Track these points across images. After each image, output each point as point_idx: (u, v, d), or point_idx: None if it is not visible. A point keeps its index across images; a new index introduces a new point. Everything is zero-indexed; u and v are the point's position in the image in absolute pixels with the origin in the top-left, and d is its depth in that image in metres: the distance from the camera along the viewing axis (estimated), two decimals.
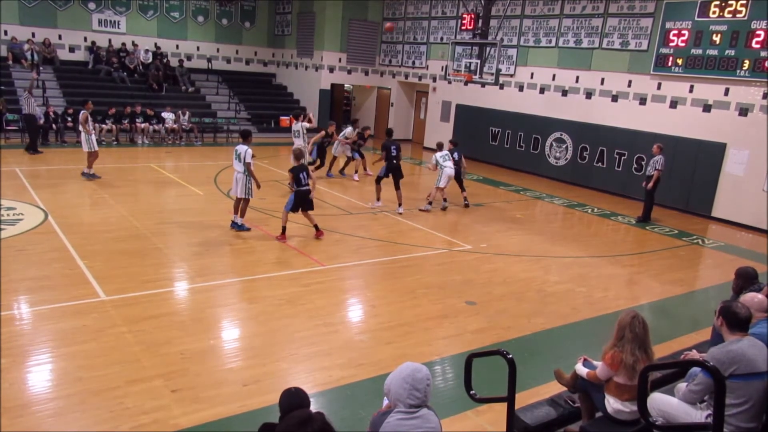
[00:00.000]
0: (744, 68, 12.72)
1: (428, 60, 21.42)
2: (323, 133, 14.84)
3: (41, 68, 19.32)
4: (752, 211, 12.88)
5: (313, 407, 2.82)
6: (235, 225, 9.85)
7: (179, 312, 6.78)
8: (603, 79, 15.79)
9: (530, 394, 5.19)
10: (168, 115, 18.87)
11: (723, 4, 12.95)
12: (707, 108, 13.64)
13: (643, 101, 14.92)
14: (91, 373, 5.21)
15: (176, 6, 22.72)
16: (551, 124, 17.09)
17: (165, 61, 22.02)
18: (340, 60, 22.83)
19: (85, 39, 21.14)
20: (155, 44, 22.34)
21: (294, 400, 2.85)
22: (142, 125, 18.41)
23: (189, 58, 23.08)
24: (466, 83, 18.41)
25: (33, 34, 19.92)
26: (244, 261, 8.63)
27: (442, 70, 19.12)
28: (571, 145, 16.60)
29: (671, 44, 13.99)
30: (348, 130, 14.97)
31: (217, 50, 23.93)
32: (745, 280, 5.38)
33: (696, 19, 13.45)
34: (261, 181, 9.99)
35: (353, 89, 25.45)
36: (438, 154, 12.36)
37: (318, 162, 14.72)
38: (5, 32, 19.56)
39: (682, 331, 7.26)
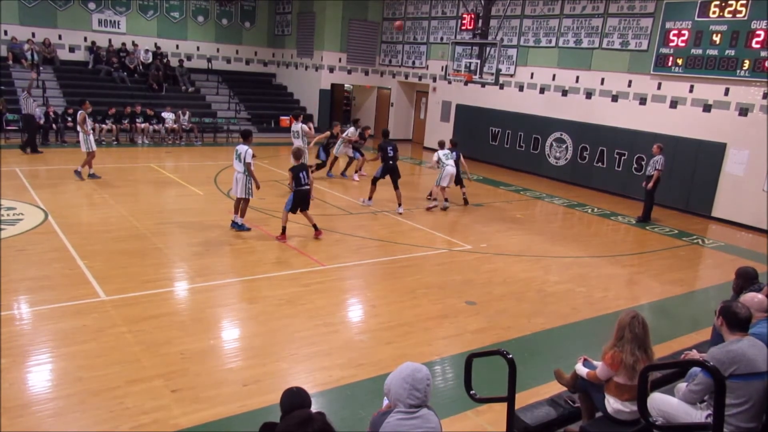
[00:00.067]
0: (744, 68, 12.72)
1: (428, 60, 21.42)
2: (328, 133, 14.89)
3: (41, 68, 19.33)
4: (752, 211, 12.88)
5: (314, 407, 2.82)
6: (235, 225, 9.85)
7: (179, 312, 6.78)
8: (603, 79, 15.79)
9: (530, 394, 5.19)
10: (168, 115, 18.87)
11: (723, 4, 12.95)
12: (707, 108, 13.64)
13: (643, 101, 14.92)
14: (91, 373, 5.21)
15: (176, 6, 22.72)
16: (551, 124, 17.09)
17: (165, 61, 22.03)
18: (340, 60, 22.83)
19: (85, 39, 21.15)
20: (155, 44, 22.34)
21: (295, 399, 2.85)
22: (142, 125, 18.42)
23: (189, 58, 23.08)
24: (466, 83, 18.42)
25: (33, 34, 19.92)
26: (244, 261, 8.63)
27: (442, 70, 19.13)
28: (571, 145, 16.60)
29: (671, 44, 13.99)
30: (351, 130, 15.01)
31: (217, 50, 23.94)
32: (745, 280, 5.38)
33: (696, 19, 13.45)
34: (261, 181, 9.99)
35: (353, 89, 25.45)
36: (440, 152, 12.44)
37: (321, 162, 14.77)
38: (5, 32, 19.56)
39: (682, 331, 7.26)
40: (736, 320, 3.75)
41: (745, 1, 12.58)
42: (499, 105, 18.70)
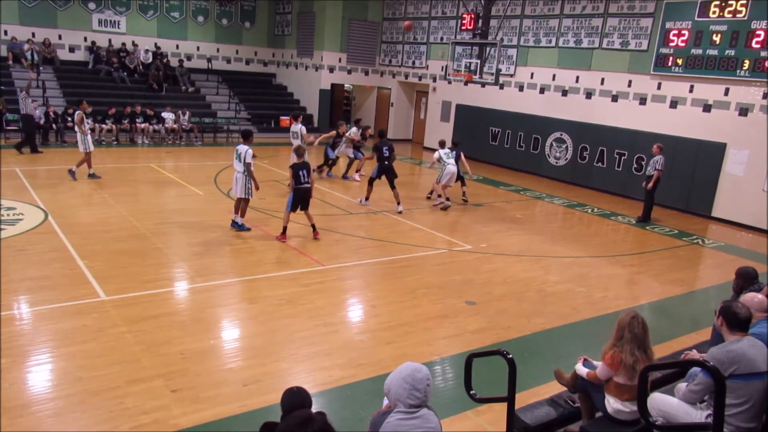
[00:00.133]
0: (744, 68, 12.72)
1: (428, 60, 21.42)
2: (334, 133, 14.90)
3: (41, 68, 19.34)
4: (752, 211, 12.88)
5: (314, 407, 2.82)
6: (235, 224, 9.84)
7: (179, 312, 6.78)
8: (603, 79, 15.79)
9: (530, 394, 5.19)
10: (168, 115, 18.87)
11: (723, 4, 12.95)
12: (707, 108, 13.64)
13: (643, 101, 14.92)
14: (91, 373, 5.21)
15: (176, 6, 22.72)
16: (551, 124, 17.09)
17: (165, 61, 22.03)
18: (340, 60, 22.83)
19: (85, 39, 21.15)
20: (155, 44, 22.34)
21: (296, 399, 2.85)
22: (142, 125, 18.42)
23: (189, 58, 23.08)
24: (466, 83, 18.42)
25: (33, 34, 19.92)
26: (244, 261, 8.63)
27: (442, 70, 19.13)
28: (571, 145, 16.60)
29: (671, 44, 13.99)
30: (353, 130, 15.04)
31: (217, 50, 23.94)
32: (746, 280, 5.38)
33: (696, 19, 13.45)
34: (261, 181, 9.99)
35: (353, 89, 25.45)
36: (441, 151, 12.52)
37: (333, 160, 14.83)
38: (5, 32, 19.56)
39: (682, 331, 7.26)
40: (736, 320, 3.75)
41: (745, 1, 12.58)
42: (499, 105, 18.70)
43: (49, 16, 20.32)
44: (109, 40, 21.30)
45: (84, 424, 4.52)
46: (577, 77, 16.43)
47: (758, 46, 12.43)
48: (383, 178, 11.95)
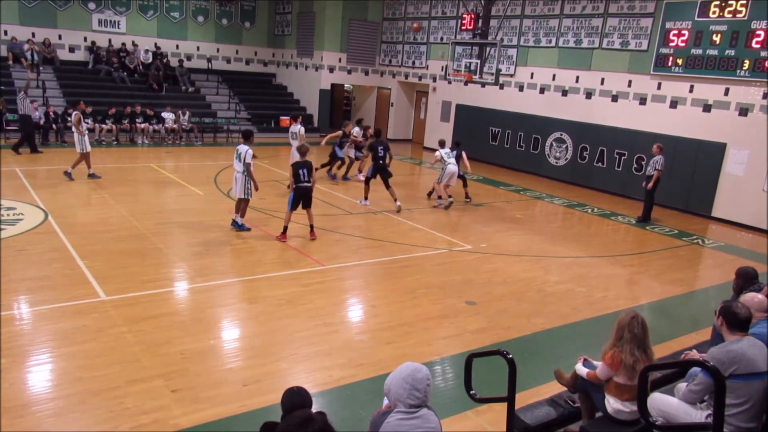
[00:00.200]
0: (744, 68, 12.72)
1: (428, 60, 21.42)
2: (340, 132, 14.89)
3: (41, 68, 19.33)
4: (752, 211, 12.88)
5: (314, 407, 2.82)
6: (235, 224, 9.85)
7: (179, 312, 6.78)
8: (603, 79, 15.79)
9: (530, 394, 5.19)
10: (168, 115, 18.87)
11: (723, 4, 12.95)
12: (707, 108, 13.64)
13: (643, 101, 14.92)
14: (91, 373, 5.21)
15: (176, 6, 22.71)
16: (551, 124, 17.09)
17: (165, 61, 22.02)
18: (340, 60, 22.83)
19: (85, 39, 21.14)
20: (155, 44, 22.34)
21: (296, 399, 2.85)
22: (142, 125, 18.42)
23: (189, 58, 23.07)
24: (466, 83, 18.41)
25: (33, 34, 19.92)
26: (244, 261, 8.63)
27: (442, 70, 19.13)
28: (571, 145, 16.60)
29: (671, 44, 13.99)
30: (356, 129, 15.05)
31: (217, 50, 23.93)
32: (746, 280, 5.38)
33: (696, 19, 13.45)
34: (260, 182, 9.99)
35: (353, 89, 25.45)
36: (442, 151, 12.55)
37: (338, 160, 14.83)
38: (5, 32, 19.56)
39: (682, 331, 7.26)
40: (736, 320, 3.75)
41: (745, 1, 12.58)
42: (499, 105, 18.69)
43: (49, 16, 20.31)
44: (109, 40, 21.30)
45: (84, 424, 4.52)
46: (577, 77, 16.43)
47: (758, 46, 12.43)
48: (378, 177, 11.97)
